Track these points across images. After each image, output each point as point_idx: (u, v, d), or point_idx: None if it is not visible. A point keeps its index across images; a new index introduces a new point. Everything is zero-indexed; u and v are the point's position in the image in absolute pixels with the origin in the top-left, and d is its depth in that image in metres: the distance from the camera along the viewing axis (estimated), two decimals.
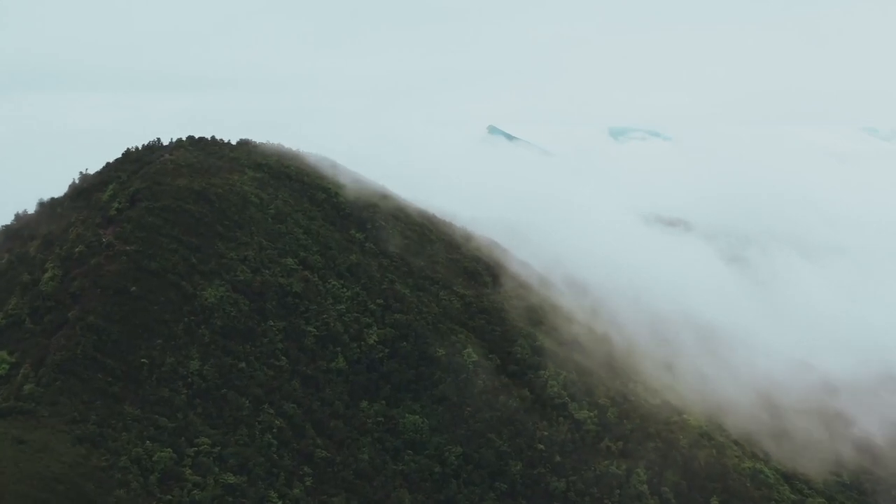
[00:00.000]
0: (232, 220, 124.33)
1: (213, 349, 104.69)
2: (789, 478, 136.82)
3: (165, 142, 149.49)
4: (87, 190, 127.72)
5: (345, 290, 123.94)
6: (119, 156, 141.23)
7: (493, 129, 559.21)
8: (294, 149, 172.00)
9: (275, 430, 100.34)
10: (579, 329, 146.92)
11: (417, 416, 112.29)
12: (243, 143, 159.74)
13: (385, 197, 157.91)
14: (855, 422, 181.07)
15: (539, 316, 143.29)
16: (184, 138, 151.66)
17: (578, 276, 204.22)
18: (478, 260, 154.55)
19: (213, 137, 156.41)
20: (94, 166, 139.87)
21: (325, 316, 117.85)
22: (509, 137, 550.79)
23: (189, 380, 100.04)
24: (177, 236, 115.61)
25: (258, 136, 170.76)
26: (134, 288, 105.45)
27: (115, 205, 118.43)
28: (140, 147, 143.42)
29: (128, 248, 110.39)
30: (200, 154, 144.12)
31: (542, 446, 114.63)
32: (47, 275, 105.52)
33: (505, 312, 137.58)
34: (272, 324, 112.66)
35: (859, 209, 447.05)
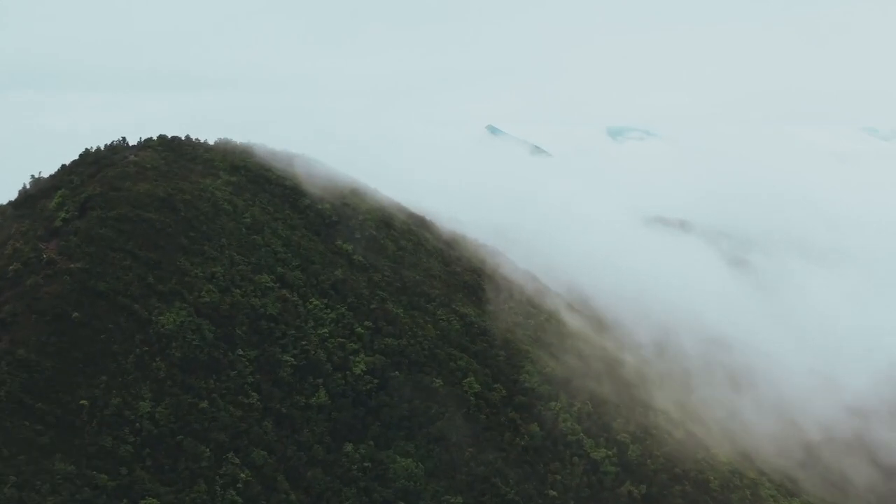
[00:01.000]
0: (199, 230, 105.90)
1: (168, 386, 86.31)
2: None
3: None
4: (34, 196, 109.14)
5: (328, 311, 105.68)
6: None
7: (491, 129, 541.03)
8: (279, 149, 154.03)
9: (240, 485, 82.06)
10: (589, 350, 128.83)
11: (411, 460, 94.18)
12: (221, 144, 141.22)
13: (354, 192, 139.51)
14: (881, 446, 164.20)
15: (547, 336, 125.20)
16: (154, 137, 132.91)
17: (581, 286, 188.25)
18: (479, 272, 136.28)
19: (187, 137, 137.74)
20: None
21: (304, 342, 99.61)
22: (508, 137, 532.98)
23: (137, 425, 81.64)
24: (132, 251, 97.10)
25: (257, 137, 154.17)
26: (76, 314, 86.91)
27: (62, 214, 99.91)
28: (102, 147, 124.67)
29: (72, 265, 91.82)
30: (170, 155, 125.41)
31: (554, 492, 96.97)
32: None
33: (510, 333, 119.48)
34: (242, 353, 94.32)
35: (860, 209, 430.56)
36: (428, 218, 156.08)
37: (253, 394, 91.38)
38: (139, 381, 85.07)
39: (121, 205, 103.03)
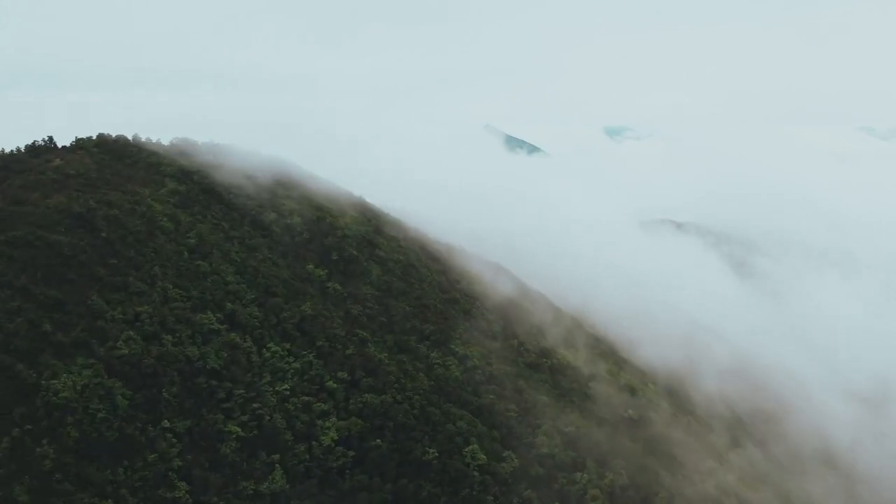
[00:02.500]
0: (124, 257, 78.96)
1: (56, 482, 59.60)
2: None
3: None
4: None
5: (291, 359, 78.96)
6: None
7: (489, 129, 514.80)
8: (251, 150, 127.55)
9: None
10: (615, 396, 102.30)
11: None
12: (176, 145, 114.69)
13: (334, 201, 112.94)
14: None
15: (565, 379, 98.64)
16: (94, 136, 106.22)
17: (585, 297, 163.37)
18: (482, 298, 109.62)
19: (135, 136, 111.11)
20: None
21: (256, 405, 72.90)
22: (505, 137, 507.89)
23: None
24: (25, 287, 70.22)
25: (255, 135, 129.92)
26: None
27: None
28: (21, 149, 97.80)
29: None
30: (106, 158, 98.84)
31: None
32: None
33: (522, 379, 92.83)
34: (168, 426, 67.52)
35: (861, 210, 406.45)
36: (422, 231, 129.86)
37: (180, 484, 64.62)
38: (13, 477, 58.28)
39: (19, 224, 76.12)
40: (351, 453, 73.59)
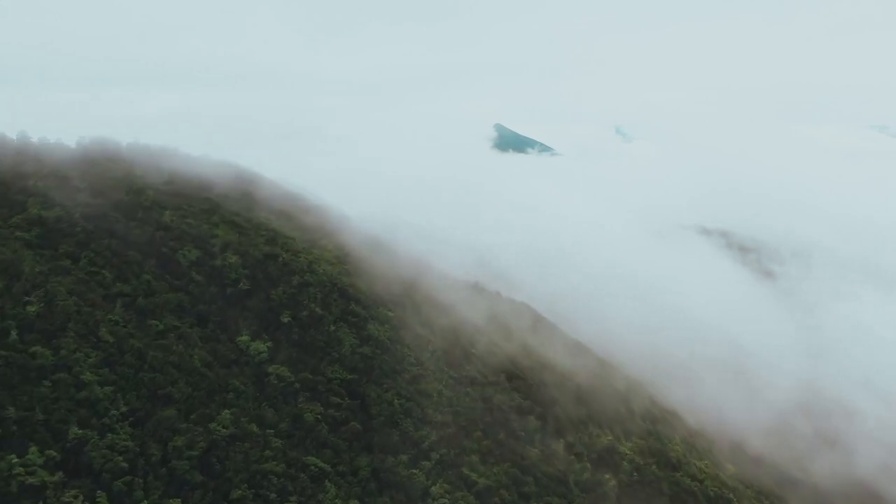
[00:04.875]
0: None
1: None
2: None
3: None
4: None
5: None
6: None
7: (499, 128, 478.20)
8: (200, 154, 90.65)
9: None
10: None
11: None
12: (82, 149, 77.24)
13: (298, 222, 73.81)
14: None
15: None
16: None
17: (621, 335, 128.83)
18: (509, 369, 70.98)
19: (21, 134, 73.93)
20: None
21: None
22: (515, 136, 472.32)
23: None
24: None
25: (255, 134, 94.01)
26: None
27: None
28: None
29: None
30: None
31: None
32: None
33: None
34: None
35: (877, 211, 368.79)
36: (424, 256, 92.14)
37: None
38: None
39: None
40: None
